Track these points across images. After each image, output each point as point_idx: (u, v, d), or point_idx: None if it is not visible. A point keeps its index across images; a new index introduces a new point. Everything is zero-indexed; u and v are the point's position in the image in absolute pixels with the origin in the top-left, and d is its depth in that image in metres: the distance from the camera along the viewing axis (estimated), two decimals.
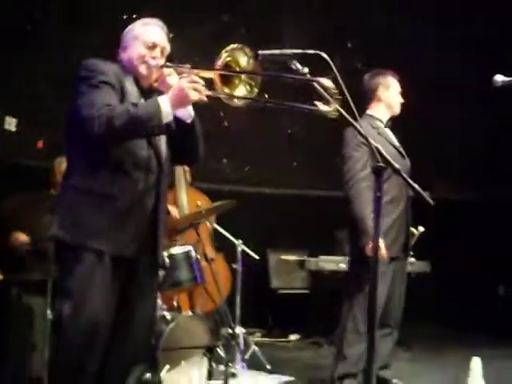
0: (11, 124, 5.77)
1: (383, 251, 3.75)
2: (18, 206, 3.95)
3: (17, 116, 5.79)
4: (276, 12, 7.06)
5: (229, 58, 2.71)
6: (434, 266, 5.80)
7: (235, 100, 2.74)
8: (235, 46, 2.72)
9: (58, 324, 2.79)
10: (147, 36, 2.90)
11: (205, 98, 2.70)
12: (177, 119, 2.85)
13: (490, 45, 6.77)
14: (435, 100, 6.91)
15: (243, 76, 2.74)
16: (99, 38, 5.68)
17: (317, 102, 2.48)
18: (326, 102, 2.46)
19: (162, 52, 2.91)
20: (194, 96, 2.66)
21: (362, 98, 4.14)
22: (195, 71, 2.75)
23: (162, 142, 2.92)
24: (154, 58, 2.88)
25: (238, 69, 2.73)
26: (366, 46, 7.01)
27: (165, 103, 2.66)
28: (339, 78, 2.54)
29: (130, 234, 2.76)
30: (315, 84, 2.47)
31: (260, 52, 2.64)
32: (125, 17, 5.93)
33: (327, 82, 2.45)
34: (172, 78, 2.83)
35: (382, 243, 3.74)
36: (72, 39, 5.78)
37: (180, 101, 2.68)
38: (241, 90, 2.76)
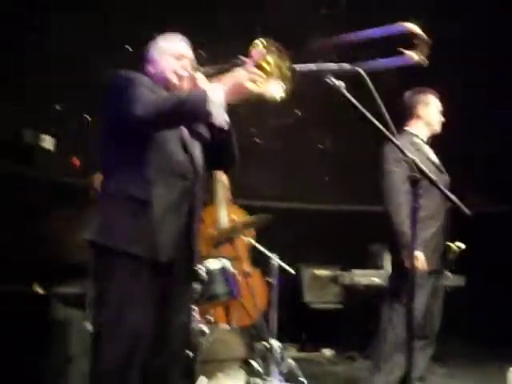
0: (48, 142, 5.89)
1: (423, 262, 3.80)
2: (63, 223, 4.02)
3: (52, 134, 5.91)
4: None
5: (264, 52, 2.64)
6: (469, 279, 5.78)
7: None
8: (265, 42, 2.64)
9: (97, 334, 2.75)
10: (174, 48, 2.96)
11: (261, 90, 2.62)
12: (214, 127, 2.85)
13: None
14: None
15: (276, 71, 2.65)
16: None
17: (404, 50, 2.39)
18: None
19: (189, 62, 2.95)
20: (252, 86, 2.60)
21: (399, 115, 4.16)
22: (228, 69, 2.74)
23: (197, 148, 2.95)
24: (183, 68, 2.93)
25: (267, 66, 2.65)
26: None
27: (214, 91, 2.61)
28: (375, 94, 2.59)
29: (166, 239, 2.75)
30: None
31: (297, 66, 2.68)
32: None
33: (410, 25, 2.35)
34: (204, 83, 2.84)
35: (421, 255, 3.79)
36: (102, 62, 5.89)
37: (237, 90, 2.61)
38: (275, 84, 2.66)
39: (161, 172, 2.78)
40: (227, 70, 2.74)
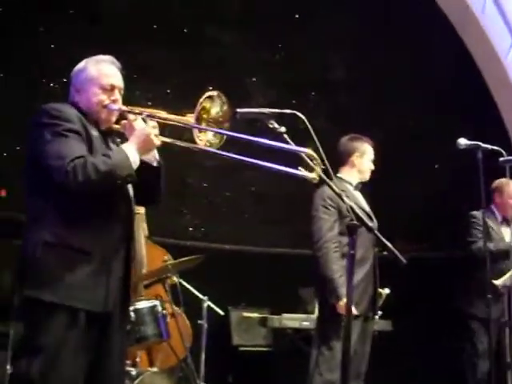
0: None
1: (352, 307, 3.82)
2: None
3: None
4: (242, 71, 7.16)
5: (207, 105, 2.73)
6: (396, 324, 5.85)
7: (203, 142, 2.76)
8: (213, 93, 2.74)
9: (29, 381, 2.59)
10: (104, 79, 2.80)
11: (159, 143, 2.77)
12: (144, 163, 2.80)
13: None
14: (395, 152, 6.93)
15: (212, 120, 2.76)
16: None
17: (301, 168, 2.54)
18: (310, 169, 2.51)
19: (119, 92, 2.85)
20: (157, 141, 2.75)
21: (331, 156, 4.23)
22: (166, 116, 2.79)
23: (130, 188, 2.86)
24: (113, 101, 2.80)
25: (206, 116, 2.73)
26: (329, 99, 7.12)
27: (131, 151, 2.68)
28: (315, 137, 2.62)
29: (106, 288, 2.65)
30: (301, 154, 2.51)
31: (238, 110, 2.70)
32: None
33: (309, 151, 2.51)
34: (138, 122, 2.77)
35: None
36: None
37: (146, 147, 2.73)
38: (209, 135, 2.77)
39: (101, 218, 2.68)
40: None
